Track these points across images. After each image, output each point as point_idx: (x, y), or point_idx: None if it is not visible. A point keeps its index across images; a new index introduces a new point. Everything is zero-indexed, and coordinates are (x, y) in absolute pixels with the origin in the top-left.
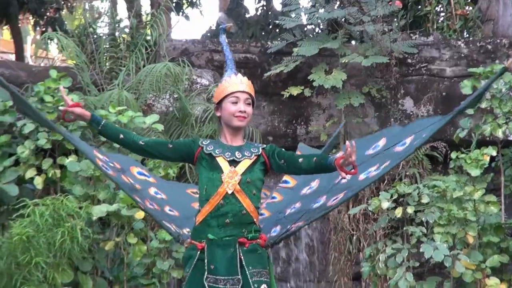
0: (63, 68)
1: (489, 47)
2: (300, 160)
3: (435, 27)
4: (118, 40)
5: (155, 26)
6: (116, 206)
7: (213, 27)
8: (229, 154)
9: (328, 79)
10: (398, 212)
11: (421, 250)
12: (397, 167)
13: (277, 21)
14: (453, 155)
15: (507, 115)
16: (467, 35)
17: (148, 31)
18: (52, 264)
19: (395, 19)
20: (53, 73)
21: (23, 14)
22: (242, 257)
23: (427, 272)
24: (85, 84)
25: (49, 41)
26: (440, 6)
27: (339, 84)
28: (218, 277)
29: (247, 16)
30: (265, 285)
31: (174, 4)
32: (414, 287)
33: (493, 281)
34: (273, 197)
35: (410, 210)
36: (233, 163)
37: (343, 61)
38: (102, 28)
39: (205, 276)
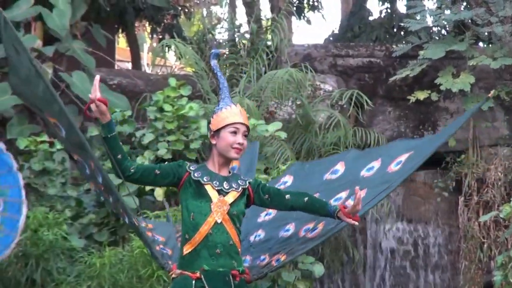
0: (182, 76)
1: None
2: (287, 196)
3: None
4: (238, 46)
5: (276, 31)
6: None
7: (336, 31)
8: (217, 183)
9: (456, 83)
10: None
11: None
12: None
13: (402, 24)
14: None
15: None
16: None
17: (269, 36)
18: None
19: None
20: (172, 81)
21: (139, 22)
22: None
23: None
24: (205, 92)
25: (166, 49)
26: None
27: (467, 88)
28: None
29: (370, 19)
30: None
31: (295, 8)
32: None
33: None
34: None
35: None
36: (221, 192)
37: (471, 64)
38: (222, 34)
39: None
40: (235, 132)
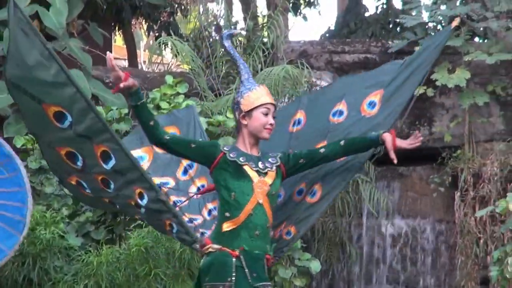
0: (178, 74)
1: None
2: (322, 150)
3: None
4: (235, 43)
5: (272, 28)
6: None
7: (332, 27)
8: (253, 164)
9: (452, 78)
10: None
11: None
12: None
13: (397, 20)
14: None
15: None
16: None
17: (265, 33)
18: (171, 275)
19: None
20: (169, 79)
21: (136, 19)
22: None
23: None
24: (201, 89)
25: (163, 46)
26: None
27: (463, 83)
28: (263, 283)
29: (366, 15)
30: None
31: (291, 5)
32: None
33: None
34: None
35: None
36: (260, 173)
37: (466, 59)
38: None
39: (251, 283)
40: (266, 113)
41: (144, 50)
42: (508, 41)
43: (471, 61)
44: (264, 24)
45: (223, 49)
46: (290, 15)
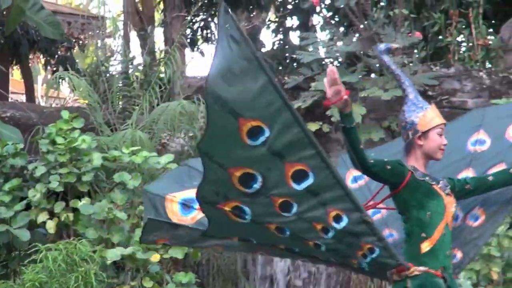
0: (75, 109)
1: None
2: (490, 178)
3: (456, 58)
4: (131, 79)
5: (169, 64)
6: (131, 249)
7: None
8: (436, 183)
9: None
10: None
11: None
12: None
13: (294, 56)
14: None
15: None
16: (490, 66)
17: (162, 69)
18: None
19: (415, 51)
20: (65, 114)
21: (33, 54)
22: None
23: None
24: (98, 124)
25: (60, 81)
26: (461, 36)
27: (359, 119)
28: None
29: (263, 50)
30: None
31: (188, 41)
32: None
33: None
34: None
35: None
36: (445, 193)
37: (362, 95)
38: (115, 66)
39: None
40: (441, 134)
41: (42, 85)
42: None
43: (367, 97)
44: (161, 60)
45: (382, 64)
46: (188, 50)
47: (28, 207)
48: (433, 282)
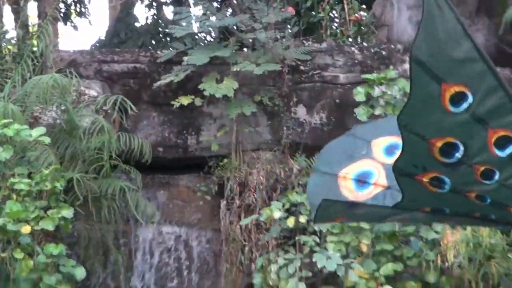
0: None
1: (384, 53)
2: None
3: (328, 33)
4: (4, 52)
5: (41, 37)
6: (2, 221)
7: (103, 37)
8: None
9: (220, 88)
10: (290, 222)
11: (313, 259)
12: (290, 176)
13: (167, 30)
14: None
15: None
16: (361, 41)
17: (35, 42)
18: None
19: (288, 26)
20: None
21: None
22: None
23: (321, 282)
24: None
25: None
26: (333, 12)
27: (231, 93)
28: None
29: (137, 25)
30: None
31: (62, 14)
32: None
33: None
34: None
35: (302, 219)
36: None
37: (234, 70)
38: None
39: None
40: None
41: None
42: (276, 52)
43: (239, 72)
44: (34, 33)
45: None
46: (61, 24)
47: None
48: None
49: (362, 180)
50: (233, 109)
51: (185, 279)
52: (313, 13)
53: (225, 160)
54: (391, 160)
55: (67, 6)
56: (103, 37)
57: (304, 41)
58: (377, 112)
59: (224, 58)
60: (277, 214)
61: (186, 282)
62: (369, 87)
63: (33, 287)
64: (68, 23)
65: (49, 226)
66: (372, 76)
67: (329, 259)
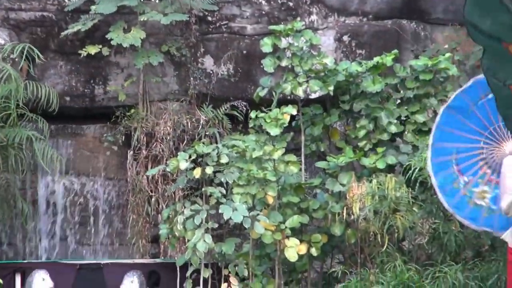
0: None
1: (291, 4)
2: None
3: None
4: None
5: None
6: None
7: None
8: None
9: (127, 38)
10: (197, 173)
11: (220, 211)
12: (197, 126)
13: None
14: (253, 114)
15: (307, 73)
16: None
17: None
18: None
19: None
20: None
21: None
22: None
23: (227, 234)
24: None
25: None
26: None
27: (138, 43)
28: None
29: None
30: None
31: None
32: (213, 248)
33: (292, 241)
34: None
35: (209, 170)
36: None
37: (142, 19)
38: None
39: None
40: None
41: None
42: (183, 1)
43: (147, 21)
44: None
45: None
46: None
47: None
48: None
49: None
50: (140, 59)
51: (92, 230)
52: None
53: (132, 110)
54: None
55: None
56: None
57: None
58: (284, 63)
59: (131, 8)
60: (184, 165)
61: (92, 233)
62: (276, 38)
63: None
64: None
65: None
66: (279, 27)
67: (235, 211)
